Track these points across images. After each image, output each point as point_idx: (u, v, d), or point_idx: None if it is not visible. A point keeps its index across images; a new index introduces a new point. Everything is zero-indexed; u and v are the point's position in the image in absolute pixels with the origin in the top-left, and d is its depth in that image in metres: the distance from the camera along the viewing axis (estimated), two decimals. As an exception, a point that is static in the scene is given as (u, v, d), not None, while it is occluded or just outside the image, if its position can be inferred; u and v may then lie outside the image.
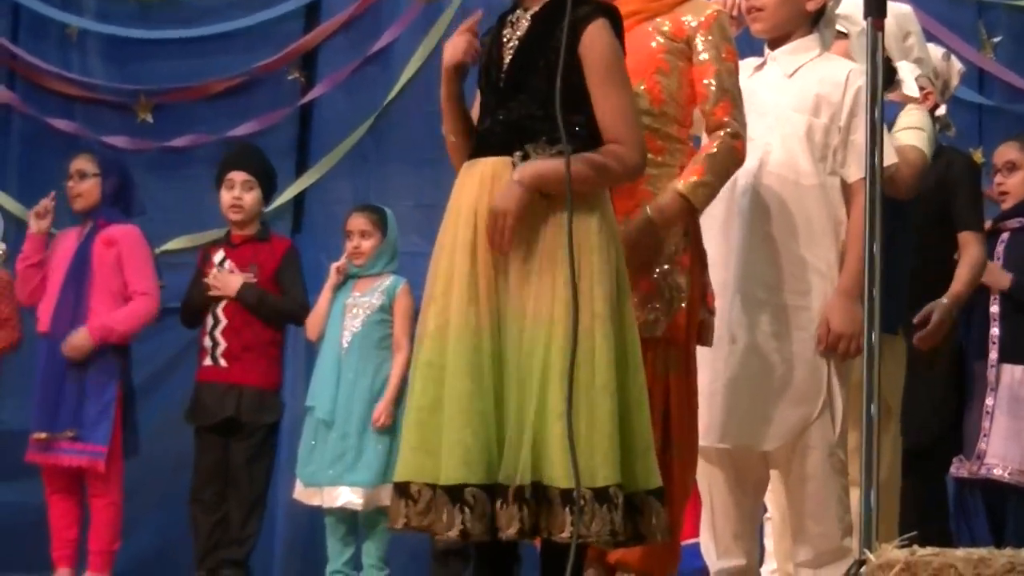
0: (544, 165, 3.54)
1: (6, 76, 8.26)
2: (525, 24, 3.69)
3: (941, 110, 5.31)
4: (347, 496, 6.50)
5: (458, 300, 3.51)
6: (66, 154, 7.34)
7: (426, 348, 3.56)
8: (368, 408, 6.56)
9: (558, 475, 3.42)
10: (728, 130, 4.05)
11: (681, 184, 4.01)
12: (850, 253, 4.20)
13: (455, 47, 3.73)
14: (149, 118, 8.16)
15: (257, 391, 6.64)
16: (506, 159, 3.59)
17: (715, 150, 4.04)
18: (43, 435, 6.56)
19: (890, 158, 4.22)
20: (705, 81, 4.08)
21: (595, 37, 3.60)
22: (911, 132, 4.81)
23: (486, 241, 3.54)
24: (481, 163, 3.62)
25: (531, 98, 3.60)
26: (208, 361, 6.66)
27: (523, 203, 3.52)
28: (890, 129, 4.70)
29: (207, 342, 6.67)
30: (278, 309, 6.71)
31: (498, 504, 3.44)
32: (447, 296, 3.54)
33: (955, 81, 5.49)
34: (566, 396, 3.41)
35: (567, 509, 3.41)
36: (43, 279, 6.79)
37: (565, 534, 3.42)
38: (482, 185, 3.58)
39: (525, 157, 3.57)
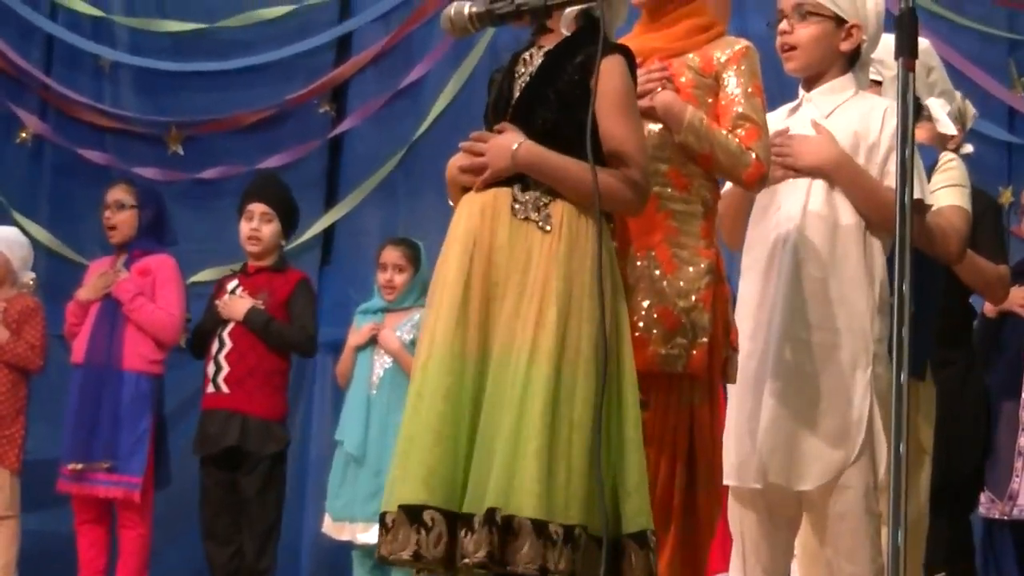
0: (544, 153, 3.54)
1: (39, 107, 8.33)
2: (539, 60, 3.69)
3: (968, 148, 5.30)
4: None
5: (444, 326, 3.47)
6: (97, 185, 7.40)
7: (416, 379, 3.52)
8: (402, 445, 6.54)
9: (529, 504, 3.34)
10: (752, 155, 4.03)
11: (699, 117, 4.00)
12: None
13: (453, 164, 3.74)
14: (180, 150, 8.22)
15: (261, 421, 6.61)
16: (507, 190, 3.57)
17: (735, 146, 4.01)
18: (78, 466, 6.57)
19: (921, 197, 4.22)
20: (732, 112, 4.06)
21: (610, 69, 3.60)
22: (951, 191, 4.78)
23: (481, 270, 3.52)
24: (482, 194, 3.60)
25: (535, 130, 3.59)
26: (211, 388, 6.65)
27: (506, 171, 3.55)
28: (926, 179, 4.68)
29: (211, 368, 6.66)
30: (284, 336, 6.69)
31: (462, 532, 3.37)
32: (436, 324, 3.51)
33: (970, 124, 5.47)
34: (541, 427, 3.36)
35: (541, 541, 3.34)
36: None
37: (533, 567, 3.34)
38: (483, 215, 3.56)
39: (526, 189, 3.57)
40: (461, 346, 3.46)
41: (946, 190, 4.77)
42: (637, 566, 3.50)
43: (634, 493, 3.50)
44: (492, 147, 3.59)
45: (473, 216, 3.58)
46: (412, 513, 3.37)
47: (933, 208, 4.64)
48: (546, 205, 3.56)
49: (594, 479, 3.43)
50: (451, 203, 3.77)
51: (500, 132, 3.61)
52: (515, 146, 3.56)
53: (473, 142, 3.64)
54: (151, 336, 6.71)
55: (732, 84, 4.06)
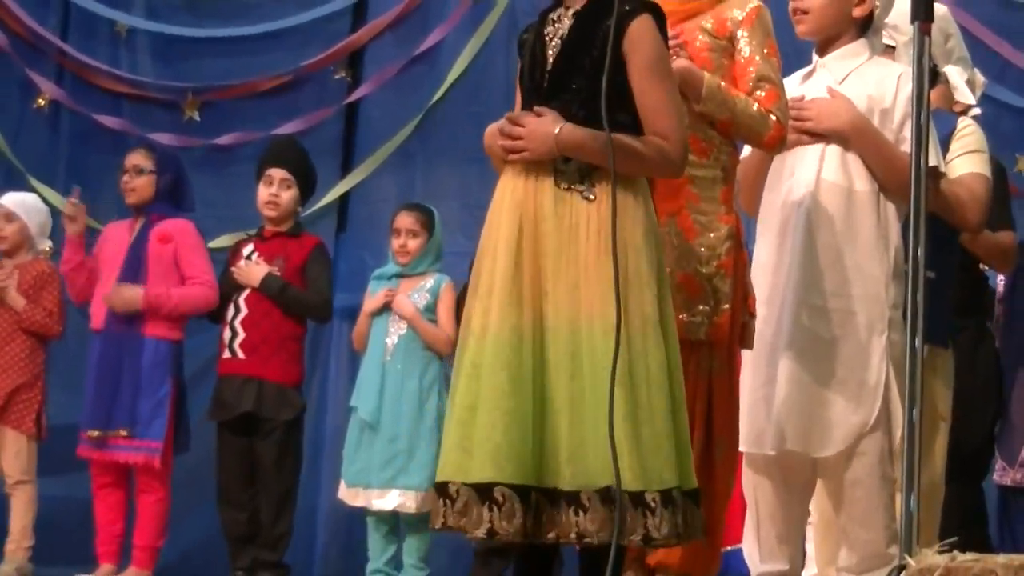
0: (585, 136, 3.54)
1: (55, 73, 8.33)
2: (568, 22, 3.68)
3: (976, 111, 5.28)
4: (398, 499, 6.50)
5: (500, 300, 3.50)
6: (114, 151, 7.40)
7: (471, 348, 3.55)
8: (416, 410, 6.55)
9: (626, 478, 3.39)
10: (772, 118, 4.03)
11: (716, 83, 3.99)
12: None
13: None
14: (196, 115, 8.21)
15: (276, 386, 6.63)
16: (548, 162, 3.58)
17: (755, 110, 4.01)
18: (96, 433, 6.59)
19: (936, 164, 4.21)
20: (748, 72, 4.06)
21: (640, 32, 3.59)
22: (970, 157, 4.76)
23: (531, 242, 3.54)
24: (524, 166, 3.61)
25: (573, 97, 3.60)
26: (227, 353, 6.66)
27: (548, 155, 3.55)
28: (943, 147, 4.66)
29: (227, 333, 6.67)
30: (300, 301, 6.70)
31: (571, 509, 3.42)
32: (490, 296, 3.53)
33: (980, 91, 5.45)
34: (623, 396, 3.41)
35: (640, 511, 3.41)
36: (91, 275, 6.82)
37: (636, 537, 3.42)
38: (527, 186, 3.59)
39: (568, 160, 3.57)
40: (518, 320, 3.48)
41: (965, 157, 4.75)
42: (695, 525, 3.57)
43: (686, 452, 3.56)
44: (532, 132, 3.58)
45: (517, 188, 3.60)
46: (482, 492, 3.42)
47: (952, 176, 4.64)
48: (589, 175, 3.57)
49: (678, 437, 3.51)
50: (495, 169, 3.76)
51: (538, 115, 3.60)
52: (557, 130, 3.55)
53: (511, 124, 3.63)
54: (198, 313, 6.73)
55: (747, 46, 4.07)
